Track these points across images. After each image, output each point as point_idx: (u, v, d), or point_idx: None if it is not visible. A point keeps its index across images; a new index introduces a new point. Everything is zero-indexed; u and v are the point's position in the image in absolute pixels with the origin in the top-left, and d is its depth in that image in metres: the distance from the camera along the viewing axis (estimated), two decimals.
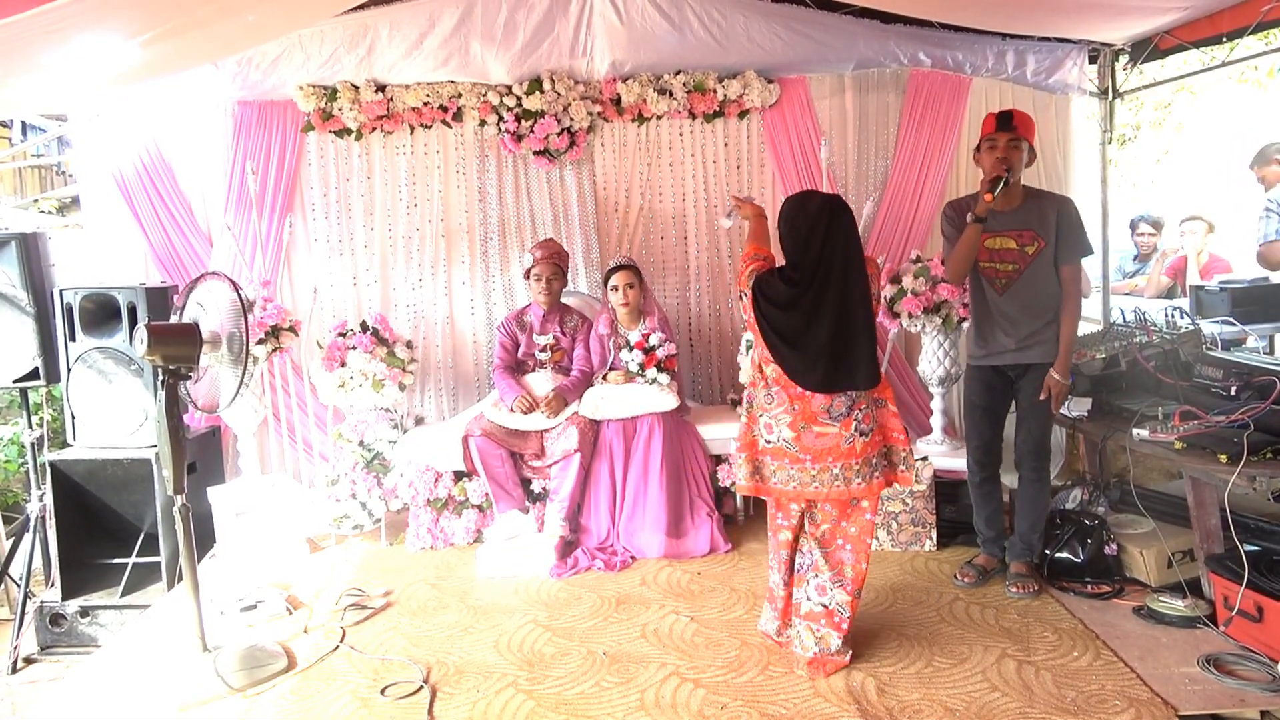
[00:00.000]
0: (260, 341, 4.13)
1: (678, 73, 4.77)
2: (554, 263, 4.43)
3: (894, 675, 2.91)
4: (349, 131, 4.76)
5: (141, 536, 4.01)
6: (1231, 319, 4.19)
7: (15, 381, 3.95)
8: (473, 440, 4.19)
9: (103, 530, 4.03)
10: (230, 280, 3.16)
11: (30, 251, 3.90)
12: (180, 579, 3.39)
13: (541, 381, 4.37)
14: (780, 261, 3.04)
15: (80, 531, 3.95)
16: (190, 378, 3.13)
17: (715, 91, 4.79)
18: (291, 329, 4.31)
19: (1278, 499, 3.21)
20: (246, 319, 3.11)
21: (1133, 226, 6.18)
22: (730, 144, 4.96)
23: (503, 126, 4.74)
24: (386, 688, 2.93)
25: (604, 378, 4.38)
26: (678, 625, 3.34)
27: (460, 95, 4.71)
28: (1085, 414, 3.74)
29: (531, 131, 4.71)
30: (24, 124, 8.87)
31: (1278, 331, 4.32)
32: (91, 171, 4.70)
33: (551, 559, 3.93)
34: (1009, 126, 3.33)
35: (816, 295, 2.84)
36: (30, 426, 4.06)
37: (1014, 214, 3.43)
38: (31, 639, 3.82)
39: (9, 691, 3.53)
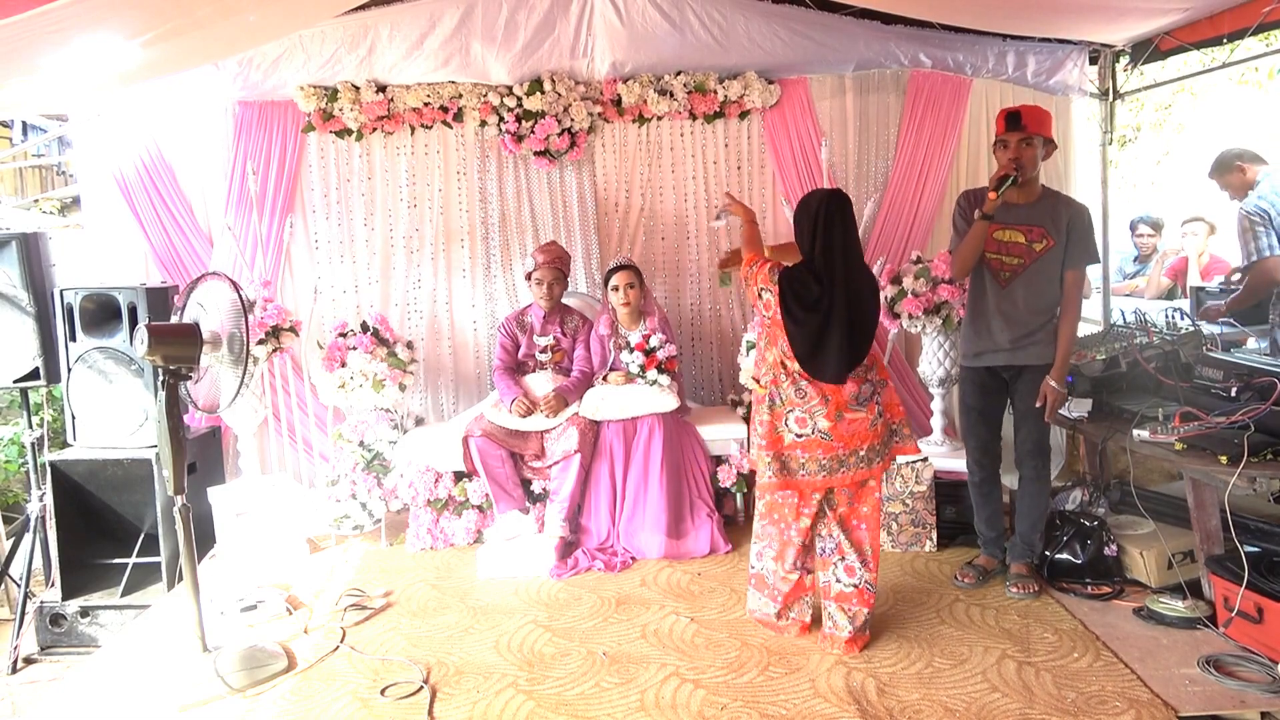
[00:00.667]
0: (261, 342, 4.14)
1: (678, 73, 4.77)
2: (556, 267, 4.43)
3: (894, 676, 2.92)
4: (349, 132, 4.76)
5: (142, 537, 4.01)
6: (1231, 320, 4.19)
7: (16, 381, 3.96)
8: (473, 441, 4.19)
9: (103, 530, 4.03)
10: (231, 280, 3.16)
11: (31, 251, 3.90)
12: (180, 579, 3.39)
13: (542, 382, 4.37)
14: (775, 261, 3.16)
15: (80, 532, 3.95)
16: (191, 378, 3.13)
17: (716, 92, 4.80)
18: (292, 329, 4.31)
19: (1278, 500, 3.22)
20: (247, 319, 3.11)
21: (1132, 228, 6.18)
22: (731, 145, 4.97)
23: (503, 127, 4.74)
24: (386, 688, 2.93)
25: (604, 378, 4.38)
26: (678, 626, 3.34)
27: (461, 96, 4.71)
28: (1085, 415, 3.73)
29: (532, 132, 4.71)
30: (25, 124, 8.86)
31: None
32: (92, 172, 4.70)
33: (551, 559, 3.93)
34: (1018, 127, 3.33)
35: (835, 290, 2.98)
36: (30, 426, 4.06)
37: (1028, 209, 3.43)
38: (32, 639, 3.82)
39: (9, 691, 3.53)
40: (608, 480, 4.18)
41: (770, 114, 4.89)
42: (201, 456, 4.27)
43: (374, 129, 4.78)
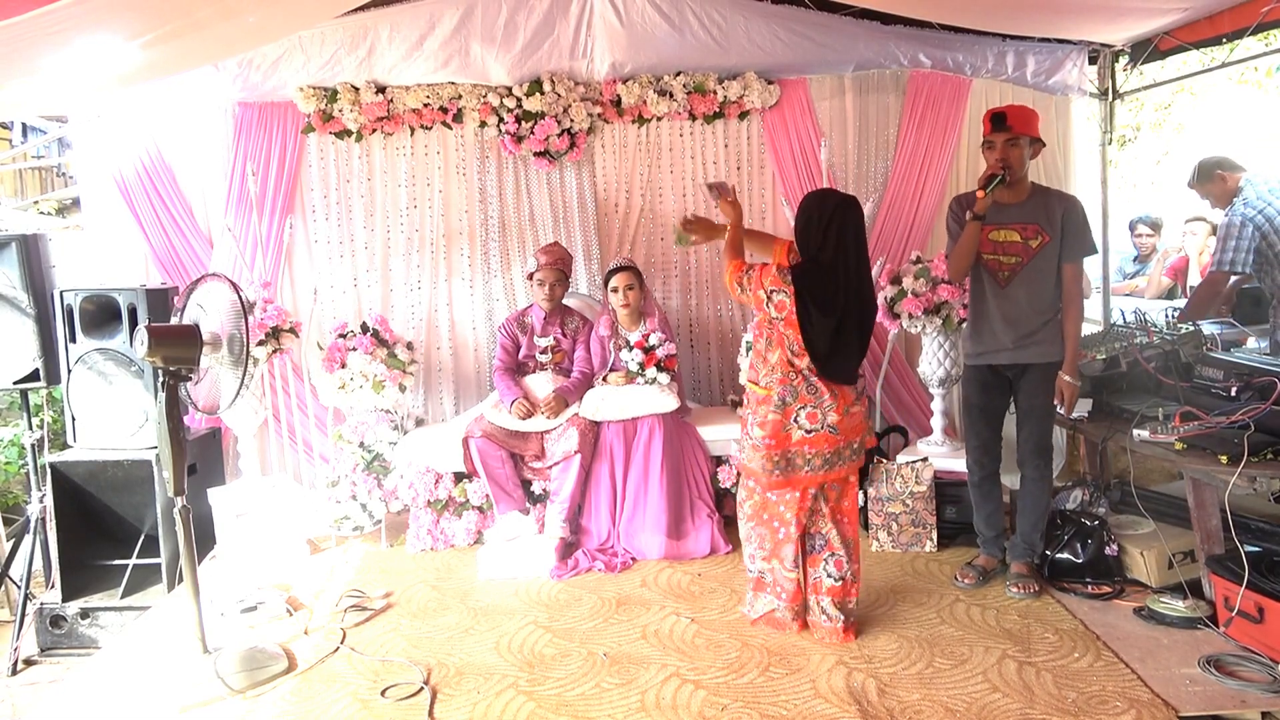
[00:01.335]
0: (260, 343, 4.14)
1: (678, 74, 4.77)
2: (558, 268, 4.43)
3: (895, 676, 2.91)
4: (349, 133, 4.77)
5: (142, 538, 4.01)
6: (1231, 320, 4.19)
7: (16, 383, 3.96)
8: (473, 441, 4.19)
9: (103, 532, 4.03)
10: (231, 282, 3.16)
11: (31, 253, 3.90)
12: (181, 580, 3.39)
13: (542, 383, 4.37)
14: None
15: (80, 533, 3.95)
16: (191, 379, 3.13)
17: (715, 93, 4.80)
18: (292, 330, 4.31)
19: (1278, 500, 3.21)
20: (247, 320, 3.11)
21: (1131, 228, 6.18)
22: (730, 145, 4.97)
23: (503, 128, 4.74)
24: (387, 689, 2.93)
25: (604, 379, 4.38)
26: (678, 626, 3.34)
27: (460, 96, 4.71)
28: (1086, 415, 3.74)
29: (532, 133, 4.71)
30: (24, 125, 8.86)
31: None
32: (92, 173, 4.71)
33: (552, 560, 3.93)
34: (1003, 127, 3.35)
35: (848, 291, 3.07)
36: (31, 428, 4.06)
37: (1020, 208, 3.44)
38: (32, 640, 3.81)
39: (9, 693, 3.53)
40: (608, 481, 4.17)
41: (770, 114, 4.89)
42: (201, 458, 4.27)
43: (374, 130, 4.78)
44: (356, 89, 4.64)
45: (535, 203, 4.96)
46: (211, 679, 2.96)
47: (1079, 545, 3.55)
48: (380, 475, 4.35)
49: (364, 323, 4.46)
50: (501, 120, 4.74)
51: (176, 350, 3.00)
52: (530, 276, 4.50)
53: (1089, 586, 3.46)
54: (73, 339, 3.91)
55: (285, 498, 4.25)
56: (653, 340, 4.30)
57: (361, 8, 4.12)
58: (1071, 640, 3.10)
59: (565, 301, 4.63)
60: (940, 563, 3.86)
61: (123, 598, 3.84)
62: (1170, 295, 5.71)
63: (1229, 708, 2.67)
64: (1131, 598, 3.38)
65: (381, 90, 4.68)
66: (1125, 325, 4.05)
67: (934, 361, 4.32)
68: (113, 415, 3.92)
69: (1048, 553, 3.60)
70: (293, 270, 4.89)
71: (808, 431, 3.11)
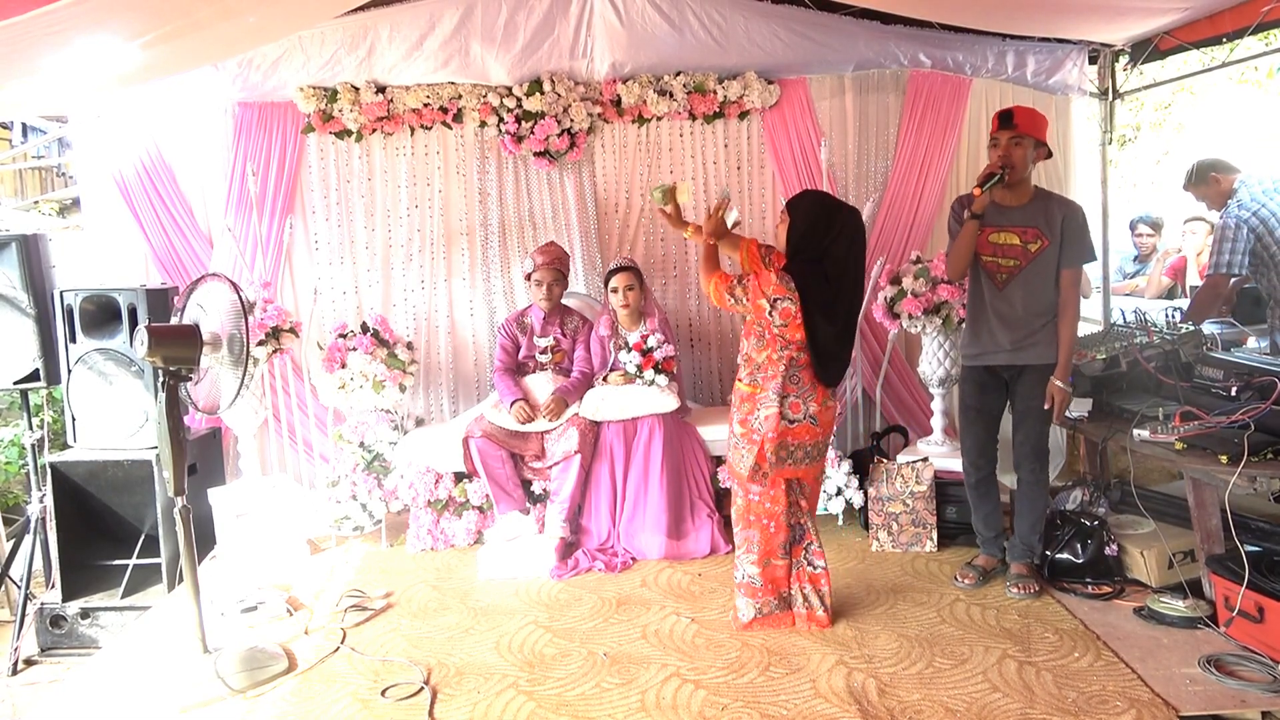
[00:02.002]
0: (261, 343, 4.14)
1: (678, 74, 4.77)
2: (555, 268, 4.43)
3: (895, 676, 2.91)
4: (349, 133, 4.76)
5: (142, 538, 4.01)
6: (1231, 319, 4.19)
7: (16, 383, 3.96)
8: (473, 441, 4.19)
9: (103, 532, 4.03)
10: (231, 282, 3.16)
11: (31, 253, 3.90)
12: (181, 580, 3.39)
13: (542, 383, 4.37)
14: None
15: (81, 533, 3.95)
16: (191, 379, 3.13)
17: (715, 93, 4.79)
18: (292, 330, 4.31)
19: (1278, 499, 3.21)
20: (247, 320, 3.11)
21: (1132, 227, 6.18)
22: (730, 145, 4.96)
23: (503, 128, 4.74)
24: (387, 689, 2.93)
25: (604, 379, 4.38)
26: (678, 626, 3.34)
27: (460, 96, 4.71)
28: (1085, 415, 3.74)
29: (532, 133, 4.71)
30: (24, 126, 8.87)
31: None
32: (92, 173, 4.70)
33: (552, 560, 3.93)
34: (1009, 125, 3.34)
35: (842, 295, 3.14)
36: (31, 428, 4.06)
37: (1021, 211, 3.43)
38: (32, 640, 3.81)
39: (9, 693, 3.53)
40: (608, 481, 4.18)
41: (770, 114, 4.89)
42: (202, 458, 4.27)
43: (374, 130, 4.78)
44: (356, 89, 4.64)
45: (535, 203, 4.96)
46: (212, 679, 2.96)
47: (1079, 545, 3.55)
48: (380, 475, 4.35)
49: (364, 323, 4.46)
50: (501, 120, 4.74)
51: (176, 350, 3.00)
52: (528, 277, 4.50)
53: (1089, 586, 3.46)
54: (73, 339, 3.91)
55: (285, 498, 4.25)
56: (651, 342, 4.30)
57: (361, 8, 4.12)
58: (1072, 640, 3.10)
59: (565, 301, 4.63)
60: (940, 562, 3.86)
61: (123, 598, 3.84)
62: (1170, 295, 5.70)
63: (1229, 707, 2.67)
64: (1132, 597, 3.38)
65: (381, 90, 4.68)
66: (1125, 325, 4.05)
67: (934, 361, 4.32)
68: (113, 415, 3.92)
69: (1048, 553, 3.60)
70: (293, 270, 4.89)
71: (791, 421, 3.16)
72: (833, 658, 3.04)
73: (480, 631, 3.36)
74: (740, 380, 3.25)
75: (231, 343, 3.14)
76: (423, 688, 2.92)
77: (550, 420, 4.22)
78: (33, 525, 3.98)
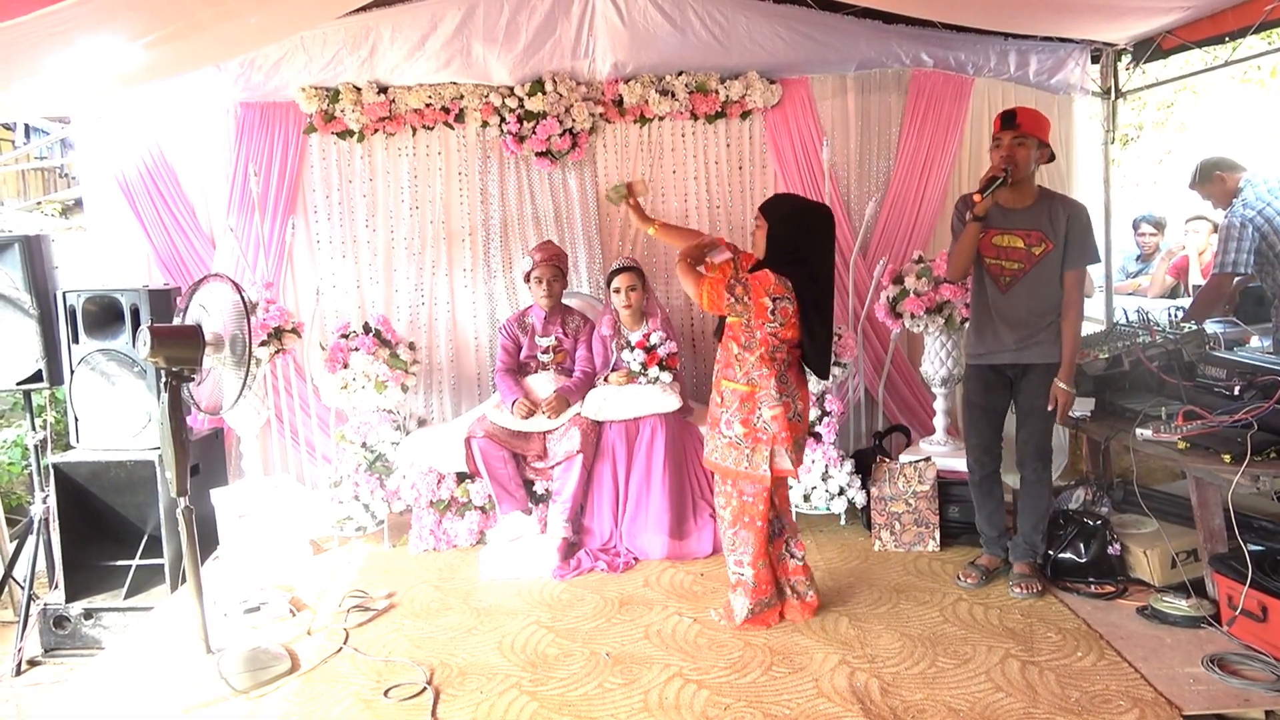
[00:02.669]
0: (263, 343, 4.14)
1: (680, 74, 4.77)
2: (554, 264, 4.43)
3: (898, 675, 2.91)
4: (351, 133, 4.77)
5: (145, 538, 4.01)
6: (1234, 319, 4.18)
7: (19, 384, 3.96)
8: (475, 442, 4.19)
9: (106, 532, 4.03)
10: (233, 282, 3.16)
11: (33, 254, 3.90)
12: (184, 581, 3.39)
13: (544, 383, 4.38)
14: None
15: (84, 534, 3.95)
16: (193, 380, 3.13)
17: (717, 92, 4.79)
18: (294, 331, 4.31)
19: None
20: (249, 321, 3.11)
21: (1134, 227, 6.18)
22: (732, 145, 4.96)
23: (505, 128, 4.74)
24: (390, 689, 2.93)
25: (605, 379, 4.38)
26: (681, 626, 3.34)
27: (462, 96, 4.71)
28: (1088, 414, 3.73)
29: (533, 133, 4.71)
30: (27, 127, 8.89)
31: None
32: (94, 174, 4.71)
33: (554, 560, 3.93)
34: (1012, 125, 3.33)
35: (824, 294, 3.21)
36: (34, 429, 4.06)
37: (1024, 213, 3.42)
38: (35, 641, 3.82)
39: (13, 694, 3.54)
40: (610, 481, 4.18)
41: (772, 114, 4.88)
42: (204, 458, 4.27)
43: (375, 130, 4.78)
44: (358, 89, 4.64)
45: (537, 203, 4.96)
46: (215, 679, 2.96)
47: (1082, 545, 3.55)
48: (383, 475, 4.35)
49: (366, 323, 4.46)
50: (503, 120, 4.74)
51: (179, 351, 3.00)
52: (528, 276, 4.50)
53: (1092, 586, 3.46)
54: (75, 340, 3.91)
55: (288, 498, 4.25)
56: (654, 339, 4.30)
57: (363, 8, 4.12)
58: (1075, 640, 3.10)
59: (566, 301, 4.63)
60: (943, 562, 3.86)
61: (126, 598, 3.85)
62: (1173, 294, 5.70)
63: (1233, 707, 2.67)
64: (1135, 597, 3.39)
65: (383, 90, 4.68)
66: (1128, 324, 4.04)
67: (936, 361, 4.31)
68: (116, 416, 3.93)
69: (1050, 552, 3.60)
70: (295, 271, 4.89)
71: (797, 416, 3.26)
72: (835, 657, 3.04)
73: (483, 632, 3.36)
74: (733, 381, 3.24)
75: (234, 343, 3.14)
76: (425, 688, 2.93)
77: (551, 417, 4.22)
78: (36, 526, 3.98)
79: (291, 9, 3.66)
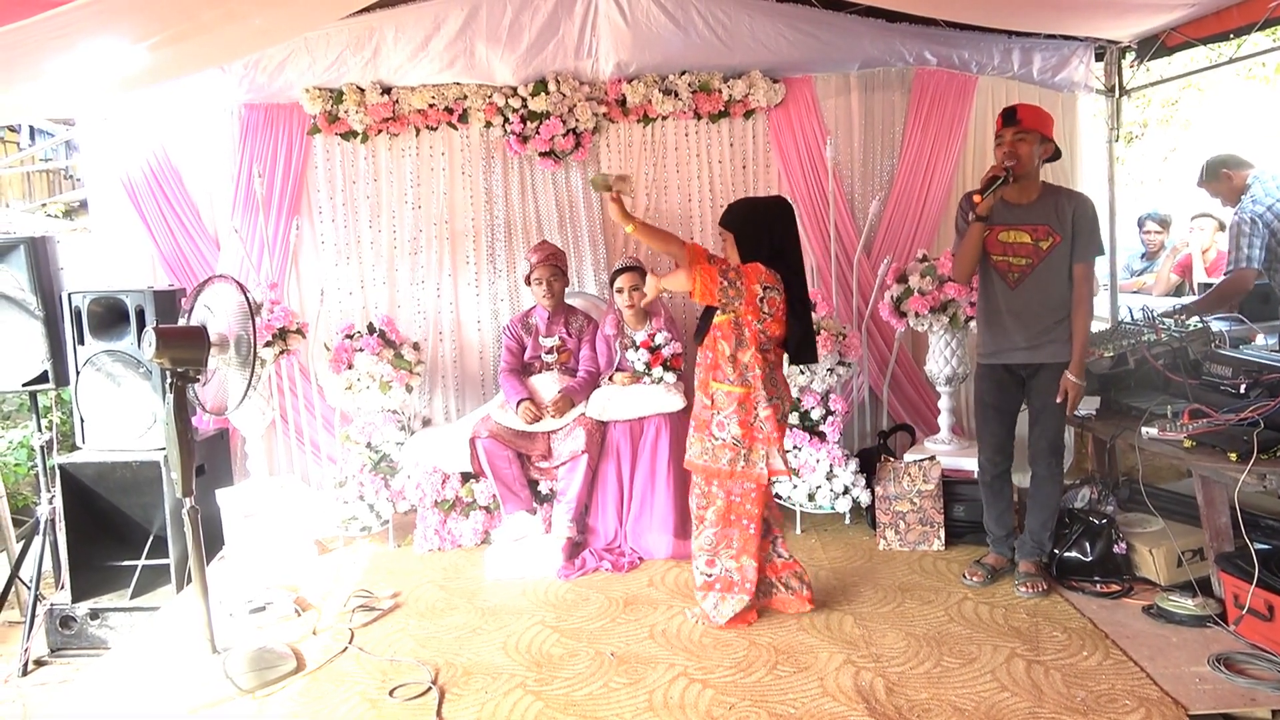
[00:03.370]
0: (268, 344, 4.15)
1: (683, 73, 4.77)
2: (552, 264, 4.43)
3: (903, 675, 2.91)
4: (355, 134, 4.77)
5: (150, 539, 4.02)
6: (1240, 316, 4.17)
7: (25, 385, 3.97)
8: (480, 442, 4.19)
9: (112, 533, 4.05)
10: (238, 283, 3.17)
11: (39, 255, 3.91)
12: (189, 581, 3.40)
13: (548, 383, 4.38)
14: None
15: (90, 534, 3.96)
16: (198, 380, 3.14)
17: (720, 91, 4.79)
18: (299, 331, 4.32)
19: None
20: (254, 321, 3.11)
21: (1139, 225, 6.16)
22: (736, 144, 4.96)
23: (508, 128, 4.75)
24: (395, 689, 2.93)
25: (610, 379, 4.38)
26: (685, 626, 3.34)
27: (466, 97, 4.71)
28: (1094, 413, 3.73)
29: (537, 133, 4.71)
30: (32, 129, 8.91)
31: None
32: (99, 175, 4.72)
33: (559, 560, 3.93)
34: (1013, 121, 3.33)
35: (801, 284, 3.28)
36: (40, 429, 4.08)
37: (1029, 208, 3.42)
38: (42, 641, 3.83)
39: (20, 693, 3.55)
40: (615, 480, 4.18)
41: (775, 113, 4.88)
42: (210, 458, 4.28)
43: (379, 131, 4.78)
44: (362, 90, 4.64)
45: (540, 203, 4.96)
46: (220, 679, 2.97)
47: (1087, 543, 3.54)
48: (387, 476, 4.35)
49: (370, 323, 4.47)
50: (507, 120, 4.74)
51: (184, 352, 3.01)
52: (528, 279, 4.50)
53: (1098, 585, 3.46)
54: (81, 341, 3.92)
55: (293, 498, 4.26)
56: (659, 339, 4.31)
57: (367, 9, 4.12)
58: (1080, 639, 3.09)
59: (569, 301, 4.64)
60: (948, 561, 3.86)
61: (132, 598, 3.86)
62: (1178, 292, 5.68)
63: (1239, 706, 2.66)
64: (1140, 596, 3.38)
65: (387, 91, 4.69)
66: (1133, 323, 4.03)
67: (941, 360, 4.31)
68: (121, 417, 3.94)
69: (1056, 551, 3.59)
70: (299, 271, 4.90)
71: (784, 416, 3.32)
72: (840, 656, 3.04)
73: (488, 631, 3.36)
74: (725, 383, 3.23)
75: (239, 344, 3.15)
76: (430, 687, 2.93)
77: (556, 416, 4.22)
78: (42, 526, 4.00)
79: (295, 10, 3.66)
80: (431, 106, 4.71)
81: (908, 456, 4.23)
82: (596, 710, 2.78)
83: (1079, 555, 3.54)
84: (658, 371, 4.25)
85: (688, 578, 3.80)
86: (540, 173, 4.92)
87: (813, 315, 3.41)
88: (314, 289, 4.87)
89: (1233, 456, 3.00)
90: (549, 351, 4.52)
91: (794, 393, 4.29)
